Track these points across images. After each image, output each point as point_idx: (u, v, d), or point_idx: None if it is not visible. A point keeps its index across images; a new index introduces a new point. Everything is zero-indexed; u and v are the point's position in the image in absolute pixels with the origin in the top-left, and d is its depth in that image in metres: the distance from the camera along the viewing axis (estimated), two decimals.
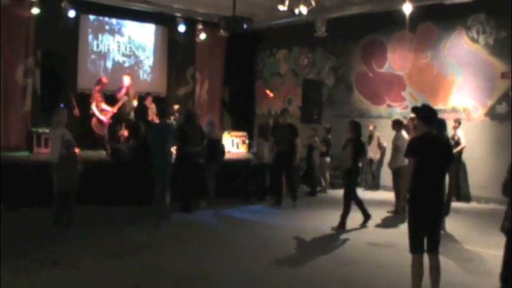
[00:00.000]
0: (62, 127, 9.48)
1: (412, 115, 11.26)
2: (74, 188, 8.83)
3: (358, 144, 9.68)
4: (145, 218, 9.90)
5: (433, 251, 5.69)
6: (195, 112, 12.23)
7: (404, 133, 11.06)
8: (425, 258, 5.69)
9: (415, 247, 5.67)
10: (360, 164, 9.96)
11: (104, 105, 13.03)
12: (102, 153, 12.73)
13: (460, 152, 12.79)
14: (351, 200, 9.75)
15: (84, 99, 14.40)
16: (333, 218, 9.84)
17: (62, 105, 11.74)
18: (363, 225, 9.86)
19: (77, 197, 9.02)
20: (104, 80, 13.25)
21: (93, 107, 12.89)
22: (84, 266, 6.93)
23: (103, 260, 7.21)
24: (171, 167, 10.38)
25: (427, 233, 5.68)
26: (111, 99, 13.35)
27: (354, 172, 9.73)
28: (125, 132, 13.66)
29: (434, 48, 14.27)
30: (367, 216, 9.95)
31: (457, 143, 12.68)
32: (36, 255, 7.28)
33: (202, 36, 17.44)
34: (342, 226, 9.58)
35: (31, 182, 10.38)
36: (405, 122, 11.50)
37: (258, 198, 12.36)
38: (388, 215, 11.05)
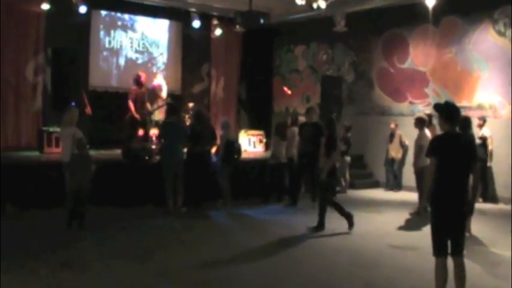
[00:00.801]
0: (73, 126, 9.53)
1: (427, 111, 11.22)
2: (86, 189, 8.87)
3: (330, 141, 9.55)
4: (160, 219, 9.97)
5: (458, 254, 5.63)
6: (204, 111, 12.32)
7: (427, 131, 10.99)
8: (450, 261, 5.63)
9: (439, 250, 5.63)
10: (338, 164, 9.81)
11: (148, 105, 13.17)
12: (115, 153, 12.75)
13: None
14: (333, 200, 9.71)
15: (96, 97, 14.49)
16: (354, 219, 9.71)
17: (73, 103, 11.78)
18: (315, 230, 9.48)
19: (91, 198, 9.08)
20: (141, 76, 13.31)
21: (130, 103, 12.97)
22: (97, 268, 6.94)
23: (117, 263, 7.21)
24: (182, 166, 10.47)
25: (451, 236, 5.63)
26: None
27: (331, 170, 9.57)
28: (141, 132, 13.71)
29: (458, 43, 14.11)
30: (320, 225, 9.57)
31: (485, 142, 12.54)
32: (47, 257, 7.30)
33: (218, 31, 17.43)
34: (350, 225, 9.54)
35: (42, 183, 10.41)
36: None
37: (275, 198, 12.33)
38: (411, 216, 10.97)
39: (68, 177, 8.98)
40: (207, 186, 11.03)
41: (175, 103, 13.08)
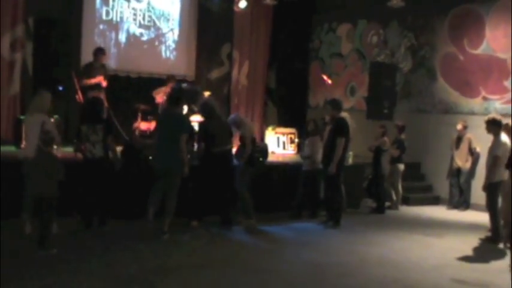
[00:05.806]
0: (43, 113, 9.44)
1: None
2: (51, 197, 8.61)
3: None
4: (158, 235, 9.78)
5: None
6: (212, 102, 11.91)
7: (505, 137, 10.79)
8: None
9: None
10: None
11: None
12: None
13: None
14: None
15: None
16: (407, 243, 9.78)
17: (60, 87, 11.78)
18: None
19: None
20: None
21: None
22: None
23: None
24: (179, 170, 10.04)
25: None
26: None
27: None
28: (141, 125, 13.65)
29: None
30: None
31: None
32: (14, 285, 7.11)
33: (242, 3, 17.37)
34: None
35: (19, 186, 10.27)
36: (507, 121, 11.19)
37: (309, 213, 12.31)
38: (481, 243, 10.77)
39: (29, 179, 8.77)
40: (232, 195, 11.03)
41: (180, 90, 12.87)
